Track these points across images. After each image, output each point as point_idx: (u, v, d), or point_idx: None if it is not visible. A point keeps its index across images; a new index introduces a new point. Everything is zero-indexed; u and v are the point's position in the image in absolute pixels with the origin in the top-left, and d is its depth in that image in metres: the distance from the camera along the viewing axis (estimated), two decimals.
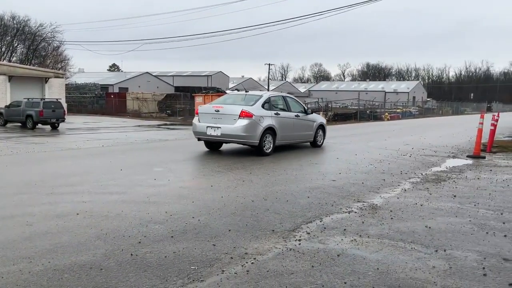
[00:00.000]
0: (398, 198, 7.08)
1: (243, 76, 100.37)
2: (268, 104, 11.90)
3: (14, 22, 56.75)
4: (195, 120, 12.10)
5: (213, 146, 12.57)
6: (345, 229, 5.32)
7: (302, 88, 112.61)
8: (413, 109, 61.60)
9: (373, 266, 4.16)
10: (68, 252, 4.29)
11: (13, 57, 56.84)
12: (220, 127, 11.32)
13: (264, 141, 11.41)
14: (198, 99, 27.53)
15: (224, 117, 11.36)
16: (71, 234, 4.85)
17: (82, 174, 8.62)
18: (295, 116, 12.73)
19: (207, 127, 11.55)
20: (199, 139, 12.16)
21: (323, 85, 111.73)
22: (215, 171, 9.12)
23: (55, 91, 37.86)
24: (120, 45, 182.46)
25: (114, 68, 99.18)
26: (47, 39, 56.67)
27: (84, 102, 49.91)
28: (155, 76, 70.67)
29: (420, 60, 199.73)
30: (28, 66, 44.24)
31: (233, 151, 12.52)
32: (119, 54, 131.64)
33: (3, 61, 49.50)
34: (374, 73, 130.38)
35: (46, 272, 3.81)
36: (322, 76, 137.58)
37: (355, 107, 52.65)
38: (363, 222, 5.64)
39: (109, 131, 22.35)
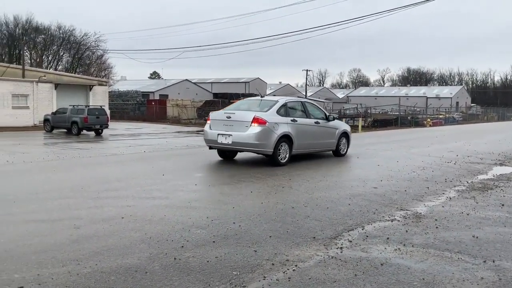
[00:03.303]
0: (443, 206, 6.88)
1: (280, 82, 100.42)
2: (284, 110, 11.08)
3: (60, 32, 59.26)
4: (207, 127, 11.40)
5: (227, 154, 11.89)
6: (388, 238, 5.21)
7: (340, 93, 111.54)
8: (456, 115, 59.81)
9: (418, 276, 4.06)
10: (114, 255, 4.41)
11: (59, 66, 59.28)
12: (231, 135, 10.55)
13: (279, 150, 10.59)
14: None
15: (236, 124, 10.60)
16: (117, 237, 4.99)
17: (126, 179, 8.85)
18: (315, 123, 11.87)
19: (218, 134, 10.83)
20: (210, 148, 11.46)
21: (362, 91, 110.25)
22: (255, 177, 9.15)
23: (98, 98, 39.12)
24: (161, 54, 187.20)
25: (154, 75, 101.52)
26: (91, 48, 58.79)
27: (126, 109, 51.29)
28: (194, 83, 71.81)
29: (464, 65, 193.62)
30: (73, 74, 45.96)
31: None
32: (159, 62, 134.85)
33: (49, 69, 51.63)
34: (415, 78, 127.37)
35: (94, 274, 3.93)
36: (361, 82, 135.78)
37: (396, 113, 51.63)
38: (406, 231, 5.51)
39: (150, 137, 22.87)
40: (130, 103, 53.73)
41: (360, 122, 35.50)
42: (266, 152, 10.52)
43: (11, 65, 41.71)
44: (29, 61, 55.22)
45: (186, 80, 70.64)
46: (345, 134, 13.08)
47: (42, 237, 4.93)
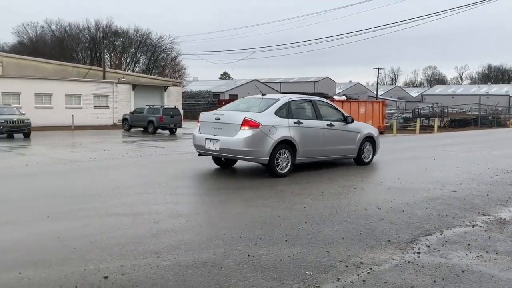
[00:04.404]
0: None
1: (350, 81, 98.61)
2: (286, 111, 9.31)
3: (138, 35, 62.25)
4: (195, 130, 9.82)
5: (223, 162, 10.22)
6: (469, 244, 4.95)
7: (414, 92, 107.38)
8: None
9: (504, 286, 3.82)
10: (191, 249, 4.57)
11: (136, 68, 62.33)
12: (219, 140, 8.95)
13: (278, 158, 8.90)
14: None
15: (225, 127, 8.98)
16: (193, 232, 5.17)
17: (199, 176, 9.13)
18: (327, 125, 9.95)
19: (206, 139, 9.25)
20: (199, 154, 9.82)
21: (438, 89, 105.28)
22: (326, 178, 9.06)
23: (173, 98, 40.67)
24: (231, 54, 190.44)
25: (225, 76, 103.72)
26: (166, 50, 61.25)
27: (198, 109, 52.83)
28: (263, 83, 72.51)
29: None
30: (149, 76, 48.11)
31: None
32: (230, 63, 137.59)
33: (128, 71, 54.43)
34: (496, 75, 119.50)
35: (172, 267, 4.10)
36: (436, 80, 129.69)
37: (475, 113, 48.80)
38: (489, 237, 5.20)
39: None
40: (201, 103, 55.35)
41: (436, 122, 33.97)
42: (259, 160, 8.86)
43: (93, 67, 44.49)
44: (109, 64, 58.57)
45: (256, 80, 71.48)
46: (369, 139, 11.06)
47: (124, 230, 5.23)
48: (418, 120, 35.57)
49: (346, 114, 10.61)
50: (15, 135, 23.39)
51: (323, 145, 9.88)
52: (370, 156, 11.14)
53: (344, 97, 32.10)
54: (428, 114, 48.67)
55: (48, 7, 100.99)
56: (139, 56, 63.38)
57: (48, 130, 28.43)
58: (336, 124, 10.22)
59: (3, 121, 22.79)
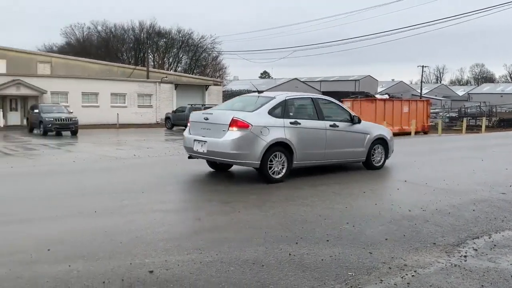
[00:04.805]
0: None
1: (393, 80, 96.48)
2: (282, 110, 8.51)
3: (180, 35, 63.34)
4: (186, 131, 9.22)
5: (218, 165, 9.45)
6: None
7: (460, 91, 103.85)
8: None
9: None
10: (232, 246, 4.62)
11: (178, 67, 63.44)
12: (206, 141, 8.28)
13: (271, 162, 8.12)
14: (346, 104, 27.30)
15: (213, 128, 8.29)
16: (235, 230, 5.22)
17: (242, 173, 9.20)
18: (330, 126, 9.03)
19: (195, 140, 8.60)
20: (189, 157, 9.12)
21: (486, 88, 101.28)
22: (366, 177, 8.93)
23: (213, 97, 41.12)
24: (271, 53, 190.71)
25: (264, 75, 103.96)
26: (208, 50, 62.00)
27: None
28: (303, 82, 72.19)
29: None
30: (191, 75, 48.87)
31: None
32: (270, 62, 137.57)
33: (170, 71, 55.48)
34: None
35: (215, 263, 4.16)
36: (484, 78, 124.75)
37: None
38: None
39: None
40: None
41: (484, 122, 32.74)
42: (249, 164, 8.14)
43: (137, 67, 45.67)
44: (152, 63, 59.91)
45: (295, 79, 71.27)
46: (381, 141, 10.04)
47: (168, 226, 5.35)
48: (464, 119, 34.40)
49: (353, 114, 9.68)
50: (63, 132, 24.38)
51: (326, 147, 8.96)
52: (382, 159, 10.08)
53: (386, 96, 31.46)
54: (475, 113, 47.00)
55: (94, 9, 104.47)
56: (181, 56, 64.51)
57: (94, 128, 29.45)
58: (341, 124, 9.29)
59: (52, 119, 23.78)
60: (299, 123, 8.54)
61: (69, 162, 11.65)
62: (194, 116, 8.99)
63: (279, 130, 8.22)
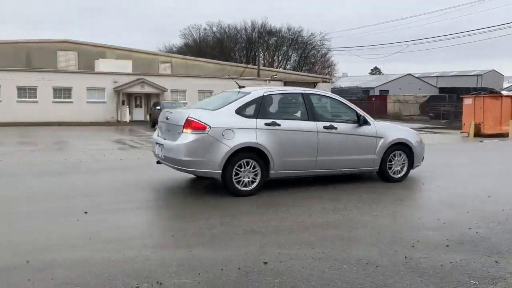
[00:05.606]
0: None
1: None
2: (256, 108, 7.03)
3: (290, 33, 63.95)
4: (155, 133, 8.03)
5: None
6: None
7: None
8: None
9: None
10: (344, 244, 4.59)
11: (287, 65, 64.16)
12: (163, 145, 7.14)
13: (239, 172, 6.72)
14: (467, 101, 25.28)
15: (172, 129, 7.09)
16: (346, 228, 5.18)
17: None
18: (325, 128, 7.36)
19: (156, 143, 7.51)
20: (157, 162, 7.67)
21: None
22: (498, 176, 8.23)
23: None
24: (383, 49, 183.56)
25: (375, 71, 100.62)
26: (317, 47, 61.78)
27: None
28: (417, 77, 68.54)
29: None
30: (299, 73, 49.22)
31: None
32: (382, 57, 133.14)
33: (279, 68, 56.37)
34: None
35: (327, 260, 4.16)
36: None
37: None
38: None
39: None
40: (351, 99, 54.63)
41: None
42: (207, 174, 6.83)
43: (248, 66, 47.18)
44: (263, 62, 61.39)
45: (409, 74, 67.90)
46: (402, 147, 8.09)
47: (280, 220, 5.47)
48: None
49: (360, 113, 7.81)
50: None
51: (318, 154, 7.32)
52: (404, 169, 8.11)
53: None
54: None
55: (210, 9, 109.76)
56: (290, 53, 65.19)
57: None
58: (342, 126, 7.58)
59: None
60: (278, 124, 7.01)
61: None
62: (161, 115, 7.72)
63: (249, 132, 6.81)
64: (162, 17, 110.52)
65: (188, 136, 6.60)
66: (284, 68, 59.74)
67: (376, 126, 7.93)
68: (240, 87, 7.85)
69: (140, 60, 40.97)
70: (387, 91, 60.55)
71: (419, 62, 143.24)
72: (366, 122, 7.78)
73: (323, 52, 63.00)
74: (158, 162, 7.62)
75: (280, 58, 65.87)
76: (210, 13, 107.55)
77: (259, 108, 7.05)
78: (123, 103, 35.25)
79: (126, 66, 37.46)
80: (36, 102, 32.28)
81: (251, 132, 6.81)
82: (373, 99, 50.50)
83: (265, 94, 7.27)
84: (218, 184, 7.11)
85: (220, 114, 6.88)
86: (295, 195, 6.85)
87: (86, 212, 5.70)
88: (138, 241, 4.62)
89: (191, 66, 42.66)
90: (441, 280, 3.78)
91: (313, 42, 62.59)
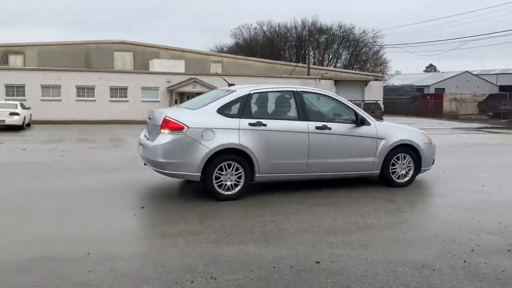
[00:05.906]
0: None
1: None
2: (240, 107, 6.65)
3: (341, 31, 63.07)
4: (142, 132, 7.67)
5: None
6: None
7: None
8: None
9: None
10: (399, 246, 4.49)
11: (338, 63, 63.32)
12: (143, 145, 6.92)
13: (220, 176, 6.36)
14: None
15: (153, 129, 6.81)
16: (400, 230, 5.06)
17: None
18: (317, 128, 6.87)
19: (139, 143, 7.24)
20: (144, 163, 7.16)
21: None
22: None
23: (374, 93, 40.05)
24: (439, 45, 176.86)
25: (430, 69, 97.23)
26: (369, 44, 60.60)
27: (400, 104, 50.89)
28: (475, 75, 65.58)
29: None
30: (350, 71, 48.45)
31: None
32: (437, 54, 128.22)
33: (330, 67, 55.76)
34: None
35: (381, 262, 4.09)
36: None
37: None
38: None
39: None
40: (404, 98, 53.10)
41: None
42: (186, 176, 6.56)
43: (298, 64, 46.95)
44: (313, 60, 60.89)
45: (466, 72, 65.08)
46: (407, 149, 7.49)
47: (332, 220, 5.44)
48: None
49: (359, 113, 7.27)
50: None
51: (309, 156, 6.84)
52: (410, 173, 7.51)
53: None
54: None
55: (261, 8, 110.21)
56: (341, 51, 64.25)
57: None
58: (337, 126, 7.07)
59: None
60: (264, 125, 6.60)
61: None
62: (149, 115, 7.39)
63: (231, 133, 6.43)
64: (213, 17, 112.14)
65: (165, 137, 6.33)
66: (335, 67, 58.97)
67: (377, 126, 7.39)
68: (229, 85, 7.53)
69: (192, 60, 41.82)
70: (443, 89, 58.32)
71: (477, 59, 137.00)
72: (365, 122, 7.24)
73: (375, 49, 61.68)
74: (145, 164, 7.10)
75: (330, 56, 65.08)
76: (261, 13, 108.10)
77: (244, 107, 6.69)
78: (175, 102, 36.14)
79: (179, 66, 38.35)
80: (94, 101, 33.69)
81: (233, 132, 6.45)
82: (428, 97, 48.79)
83: (251, 92, 6.90)
84: (270, 183, 7.14)
85: (199, 113, 6.57)
86: (346, 195, 6.77)
87: (143, 207, 5.91)
88: (193, 236, 4.74)
89: (242, 65, 43.03)
90: (502, 286, 3.62)
91: (365, 40, 61.40)
